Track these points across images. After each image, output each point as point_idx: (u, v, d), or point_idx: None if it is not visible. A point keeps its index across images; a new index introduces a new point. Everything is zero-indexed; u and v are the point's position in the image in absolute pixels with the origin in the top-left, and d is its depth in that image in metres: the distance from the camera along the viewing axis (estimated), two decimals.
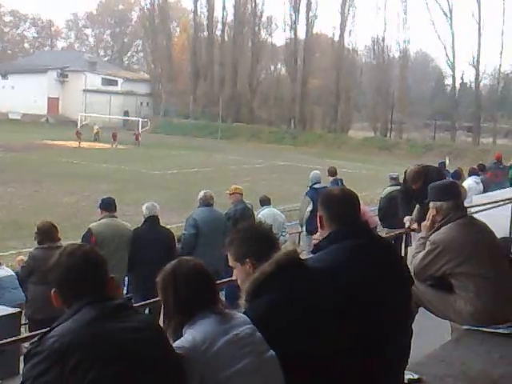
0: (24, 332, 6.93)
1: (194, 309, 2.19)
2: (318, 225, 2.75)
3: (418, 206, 6.79)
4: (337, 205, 2.71)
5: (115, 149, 40.90)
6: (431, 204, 3.99)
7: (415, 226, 6.43)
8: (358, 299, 2.44)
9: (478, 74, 53.99)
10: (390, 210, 8.83)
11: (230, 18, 64.05)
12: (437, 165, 10.41)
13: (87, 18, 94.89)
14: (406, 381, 3.01)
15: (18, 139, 40.26)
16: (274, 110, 60.14)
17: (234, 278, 2.58)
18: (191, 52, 64.79)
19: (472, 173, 11.93)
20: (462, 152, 41.73)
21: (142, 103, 63.26)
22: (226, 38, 64.63)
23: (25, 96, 60.54)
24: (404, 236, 6.93)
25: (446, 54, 55.63)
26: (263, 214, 9.71)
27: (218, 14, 64.64)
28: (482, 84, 56.44)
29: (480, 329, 3.78)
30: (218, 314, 2.21)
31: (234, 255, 2.53)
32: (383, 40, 57.58)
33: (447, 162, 17.89)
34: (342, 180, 10.53)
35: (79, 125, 48.78)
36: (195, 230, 7.93)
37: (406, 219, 6.80)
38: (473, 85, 56.72)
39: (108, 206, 7.35)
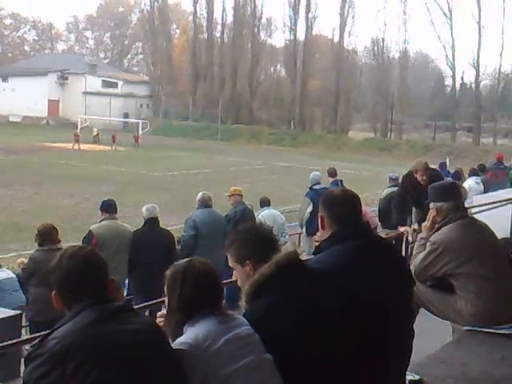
0: (25, 334, 6.94)
1: (196, 309, 2.20)
2: (319, 225, 2.75)
3: (414, 208, 6.78)
4: (338, 205, 2.71)
5: (115, 151, 40.92)
6: (431, 204, 4.00)
7: (415, 226, 6.43)
8: (358, 300, 2.43)
9: (478, 75, 54.03)
10: (390, 211, 8.81)
11: (230, 19, 64.22)
12: (437, 165, 10.41)
13: (87, 20, 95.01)
14: (407, 382, 3.00)
15: (19, 142, 40.29)
16: (274, 112, 60.13)
17: (234, 279, 2.59)
18: (191, 54, 64.81)
19: (472, 173, 11.93)
20: (463, 152, 41.73)
21: (141, 105, 63.26)
22: (225, 39, 64.68)
23: (25, 98, 60.58)
24: (404, 237, 6.91)
25: (446, 55, 55.75)
26: (263, 215, 9.70)
27: (217, 15, 64.86)
28: (482, 84, 56.51)
29: (481, 329, 3.77)
30: (220, 314, 2.22)
31: (234, 256, 2.53)
32: (383, 41, 57.72)
33: (447, 162, 17.88)
34: (341, 181, 10.51)
35: (79, 127, 48.79)
36: (194, 232, 7.93)
37: (403, 229, 6.72)
38: (473, 85, 56.72)
39: (108, 207, 7.35)
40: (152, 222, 7.51)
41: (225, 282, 4.45)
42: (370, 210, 11.36)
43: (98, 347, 1.94)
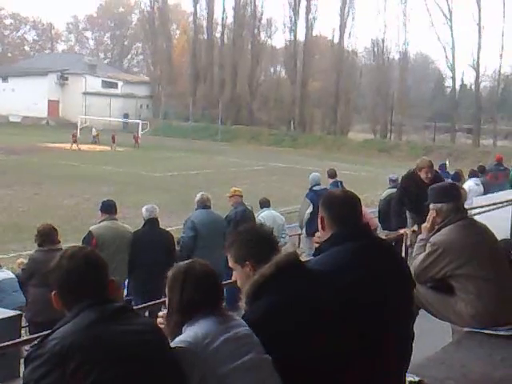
0: (24, 335, 6.92)
1: (196, 310, 2.21)
2: (319, 226, 2.75)
3: (409, 213, 6.78)
4: (338, 206, 2.71)
5: (115, 151, 40.92)
6: (431, 206, 4.00)
7: (415, 228, 6.42)
8: (358, 301, 2.43)
9: (477, 76, 53.99)
10: (390, 212, 8.80)
11: (230, 20, 64.23)
12: (437, 167, 10.40)
13: (87, 20, 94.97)
14: (406, 383, 3.00)
15: (19, 142, 40.27)
16: (274, 112, 60.14)
17: (233, 279, 2.59)
18: (191, 54, 64.81)
19: (472, 175, 11.93)
20: (462, 154, 41.70)
21: (141, 105, 63.26)
22: (225, 40, 64.66)
23: (25, 99, 60.54)
24: (404, 238, 6.91)
25: (446, 56, 55.68)
26: (263, 216, 9.71)
27: (217, 16, 64.82)
28: (481, 86, 56.46)
29: (481, 331, 3.77)
30: (220, 315, 2.24)
31: (234, 257, 2.53)
32: (383, 42, 57.64)
33: (447, 163, 17.88)
34: (341, 182, 10.51)
35: (79, 127, 48.76)
36: (194, 233, 7.93)
37: (403, 231, 6.71)
38: (473, 86, 56.69)
39: (108, 208, 7.36)
40: (152, 222, 7.51)
41: (225, 282, 4.46)
42: (370, 212, 11.35)
43: (98, 348, 1.94)
